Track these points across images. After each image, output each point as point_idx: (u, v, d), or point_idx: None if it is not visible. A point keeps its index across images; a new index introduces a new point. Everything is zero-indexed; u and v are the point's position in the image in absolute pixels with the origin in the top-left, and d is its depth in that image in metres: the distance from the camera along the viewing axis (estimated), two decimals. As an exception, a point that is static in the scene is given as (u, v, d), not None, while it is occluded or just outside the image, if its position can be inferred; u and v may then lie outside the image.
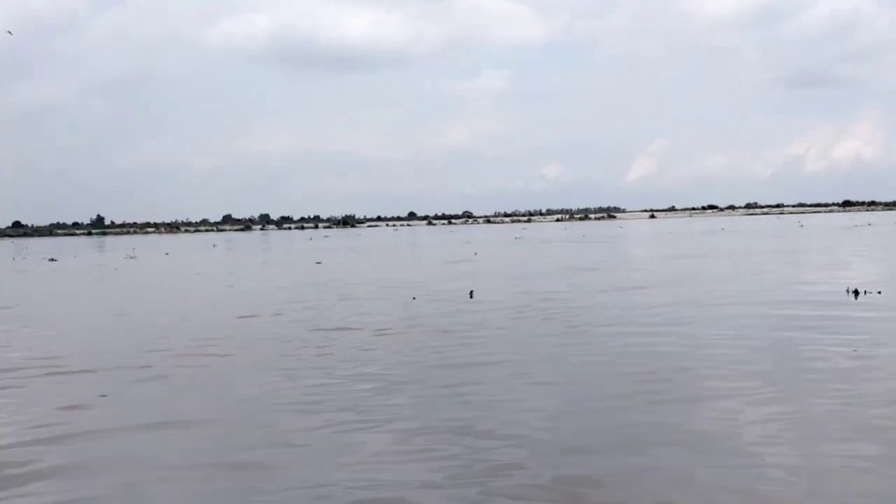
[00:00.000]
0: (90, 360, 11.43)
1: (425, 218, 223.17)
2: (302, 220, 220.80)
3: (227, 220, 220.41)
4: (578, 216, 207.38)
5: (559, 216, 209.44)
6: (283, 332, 13.81)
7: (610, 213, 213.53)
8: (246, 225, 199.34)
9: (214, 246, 70.41)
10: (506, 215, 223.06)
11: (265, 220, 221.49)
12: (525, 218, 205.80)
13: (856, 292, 16.31)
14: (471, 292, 18.86)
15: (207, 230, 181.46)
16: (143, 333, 14.25)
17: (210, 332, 14.09)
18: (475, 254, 40.58)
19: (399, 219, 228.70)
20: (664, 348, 11.15)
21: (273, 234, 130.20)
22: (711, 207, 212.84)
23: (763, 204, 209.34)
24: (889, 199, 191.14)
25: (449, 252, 44.17)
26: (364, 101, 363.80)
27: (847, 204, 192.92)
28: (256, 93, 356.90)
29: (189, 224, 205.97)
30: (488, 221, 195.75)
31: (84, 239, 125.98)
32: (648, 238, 59.38)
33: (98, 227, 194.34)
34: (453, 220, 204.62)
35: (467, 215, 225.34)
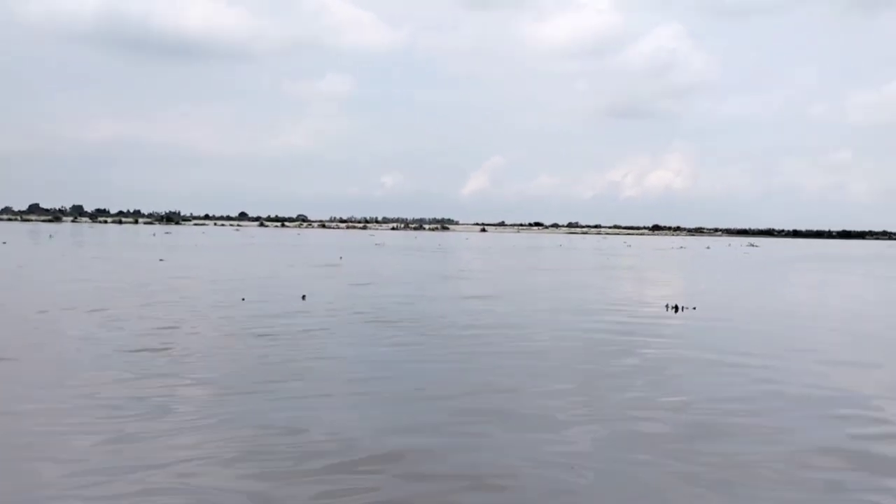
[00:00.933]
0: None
1: (257, 219, 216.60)
2: (120, 213, 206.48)
3: (34, 209, 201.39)
4: (413, 226, 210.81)
5: (395, 224, 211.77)
6: (111, 329, 12.90)
7: (444, 224, 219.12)
8: (55, 216, 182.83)
9: (51, 237, 64.54)
10: (341, 221, 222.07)
11: (78, 212, 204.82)
12: (361, 225, 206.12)
13: (675, 307, 18.29)
14: (303, 296, 18.70)
15: (10, 219, 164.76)
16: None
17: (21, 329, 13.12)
18: (340, 258, 40.50)
19: (229, 218, 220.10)
20: (496, 349, 11.97)
21: (98, 227, 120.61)
22: (537, 224, 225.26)
23: (584, 224, 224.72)
24: (692, 225, 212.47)
25: (311, 255, 43.49)
26: (197, 93, 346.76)
27: (656, 228, 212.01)
28: (78, 75, 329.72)
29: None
30: (323, 226, 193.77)
31: None
32: (494, 251, 61.71)
33: None
34: (287, 223, 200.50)
35: (301, 218, 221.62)
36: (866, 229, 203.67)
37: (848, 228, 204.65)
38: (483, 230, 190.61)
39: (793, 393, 9.27)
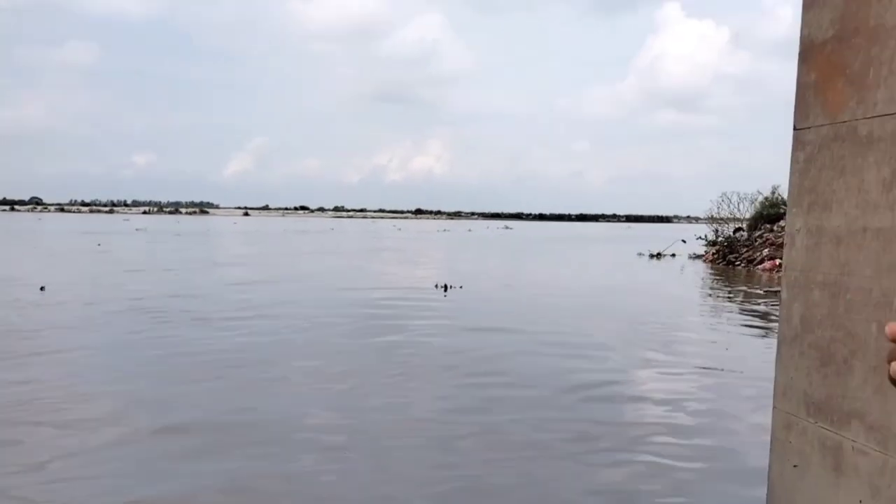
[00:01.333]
0: None
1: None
2: None
3: None
4: (168, 210, 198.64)
5: (147, 208, 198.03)
6: None
7: (203, 208, 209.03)
8: None
9: None
10: (84, 204, 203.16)
11: None
12: (107, 209, 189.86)
13: (444, 286, 19.40)
14: (41, 287, 16.71)
15: None
16: None
17: None
18: (98, 245, 36.84)
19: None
20: (264, 331, 11.91)
21: None
22: (303, 208, 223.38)
23: (350, 207, 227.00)
24: (452, 209, 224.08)
25: (57, 242, 39.23)
26: None
27: (419, 212, 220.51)
28: None
29: None
30: (62, 210, 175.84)
31: None
32: (265, 235, 60.35)
33: None
34: (17, 207, 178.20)
35: (35, 201, 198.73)
36: (600, 213, 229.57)
37: (585, 212, 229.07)
38: (246, 214, 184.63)
39: (545, 351, 10.58)
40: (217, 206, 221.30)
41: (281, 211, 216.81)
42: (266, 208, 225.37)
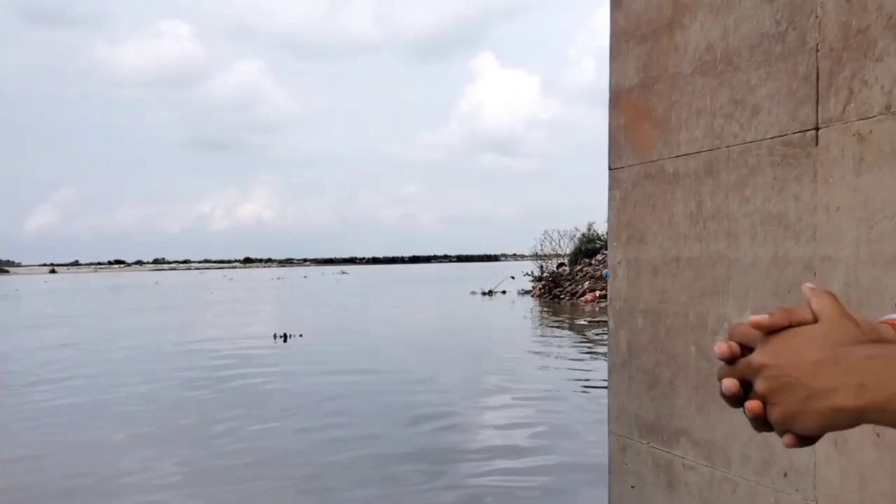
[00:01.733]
0: None
1: None
2: None
3: None
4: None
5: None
6: None
7: (1, 267, 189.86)
8: None
9: None
10: None
11: None
12: None
13: (283, 336, 18.88)
14: None
15: None
16: None
17: None
18: None
19: None
20: (79, 395, 11.05)
21: None
22: (119, 262, 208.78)
23: (171, 259, 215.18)
24: (283, 257, 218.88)
25: None
26: None
27: (248, 260, 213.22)
28: None
29: None
30: None
31: None
32: (79, 293, 55.57)
33: None
34: None
35: None
36: (432, 254, 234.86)
37: (417, 254, 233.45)
38: (53, 271, 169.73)
39: (388, 389, 10.84)
40: (19, 265, 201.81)
41: (93, 266, 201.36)
42: (76, 264, 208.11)
